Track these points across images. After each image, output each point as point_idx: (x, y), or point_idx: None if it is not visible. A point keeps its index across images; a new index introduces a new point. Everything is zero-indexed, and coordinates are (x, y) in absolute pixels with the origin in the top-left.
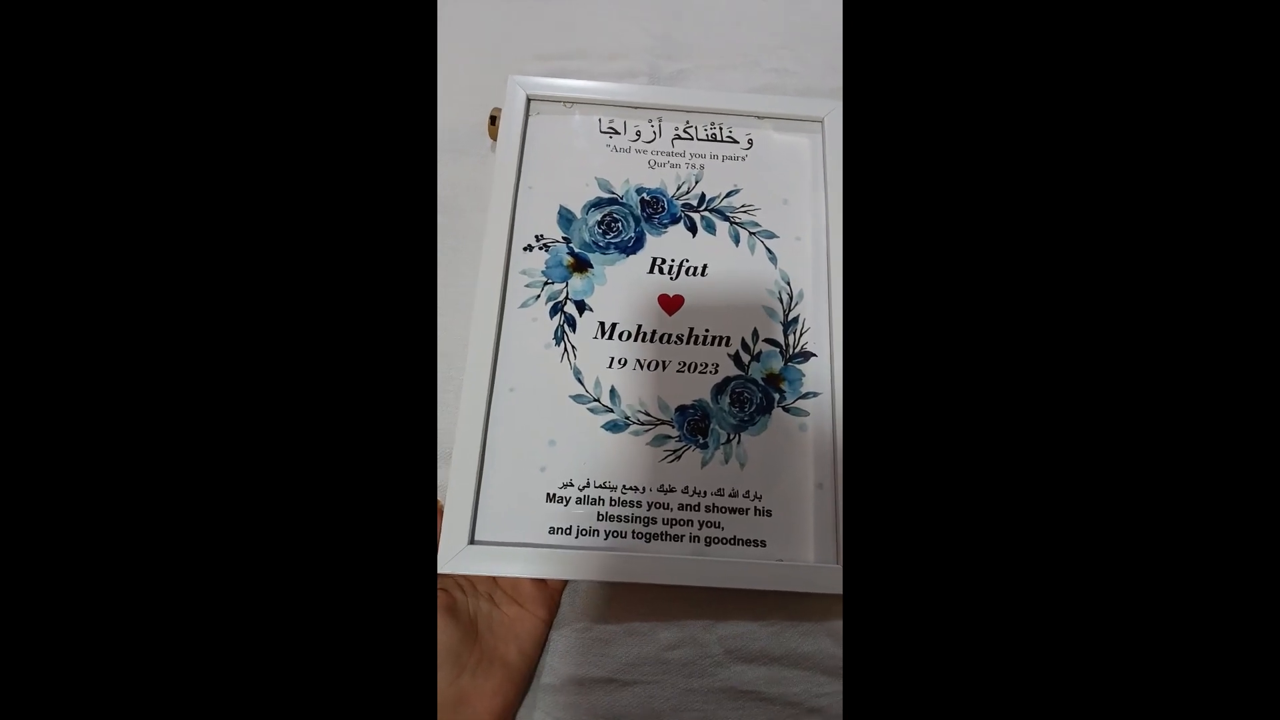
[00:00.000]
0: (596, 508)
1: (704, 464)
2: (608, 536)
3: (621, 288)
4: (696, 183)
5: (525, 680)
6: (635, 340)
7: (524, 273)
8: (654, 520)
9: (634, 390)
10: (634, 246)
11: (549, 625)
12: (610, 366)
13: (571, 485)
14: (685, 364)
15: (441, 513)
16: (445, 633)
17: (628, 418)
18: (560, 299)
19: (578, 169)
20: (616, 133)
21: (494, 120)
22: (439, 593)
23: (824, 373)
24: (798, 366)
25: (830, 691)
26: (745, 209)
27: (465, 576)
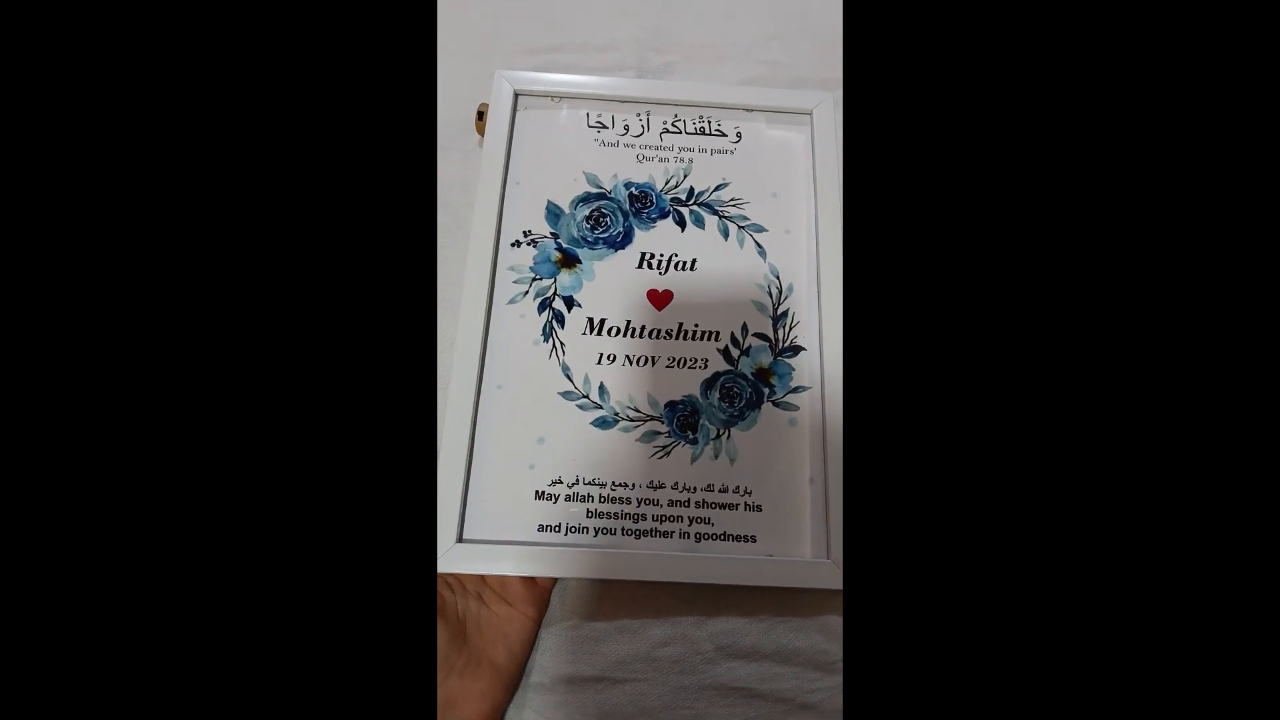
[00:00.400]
0: (586, 505)
1: (694, 460)
2: (597, 534)
3: (610, 283)
4: (685, 177)
5: (514, 681)
6: (624, 336)
7: (512, 269)
8: (644, 517)
9: (623, 386)
10: (622, 241)
11: (538, 624)
12: (599, 363)
13: (560, 482)
14: (674, 359)
15: None
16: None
17: (617, 414)
18: (548, 295)
19: (565, 164)
20: (605, 127)
21: (481, 116)
22: None
23: (814, 367)
24: (787, 361)
25: (822, 687)
26: (734, 203)
27: (454, 575)
